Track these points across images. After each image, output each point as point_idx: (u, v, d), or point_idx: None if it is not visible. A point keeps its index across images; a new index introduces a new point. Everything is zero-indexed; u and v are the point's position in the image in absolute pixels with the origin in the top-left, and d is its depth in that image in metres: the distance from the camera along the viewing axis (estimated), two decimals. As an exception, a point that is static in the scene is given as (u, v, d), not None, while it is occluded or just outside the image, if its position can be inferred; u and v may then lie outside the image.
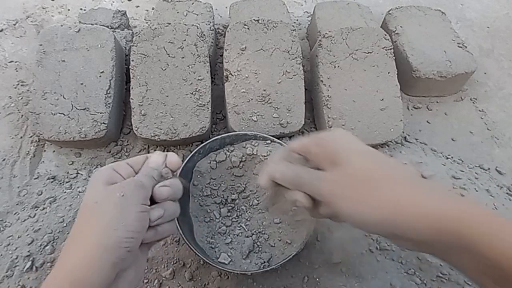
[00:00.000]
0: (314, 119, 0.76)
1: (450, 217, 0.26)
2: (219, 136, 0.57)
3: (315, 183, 0.33)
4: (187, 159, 0.54)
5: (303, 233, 0.52)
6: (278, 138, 0.66)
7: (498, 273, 0.25)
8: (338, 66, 0.69)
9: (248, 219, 0.56)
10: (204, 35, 0.70)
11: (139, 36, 0.67)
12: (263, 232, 0.55)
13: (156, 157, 0.39)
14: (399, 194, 0.28)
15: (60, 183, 0.64)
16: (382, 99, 0.68)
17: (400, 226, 0.27)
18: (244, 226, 0.55)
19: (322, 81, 0.69)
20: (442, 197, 0.28)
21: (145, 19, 0.94)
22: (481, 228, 0.26)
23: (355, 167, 0.31)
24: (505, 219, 0.26)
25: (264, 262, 0.51)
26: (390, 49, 0.71)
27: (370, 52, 0.70)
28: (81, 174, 0.65)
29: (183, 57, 0.67)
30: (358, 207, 0.29)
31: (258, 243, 0.54)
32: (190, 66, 0.66)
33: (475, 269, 0.26)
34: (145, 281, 0.52)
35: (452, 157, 0.72)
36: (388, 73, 0.69)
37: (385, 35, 0.71)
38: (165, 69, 0.66)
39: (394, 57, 0.71)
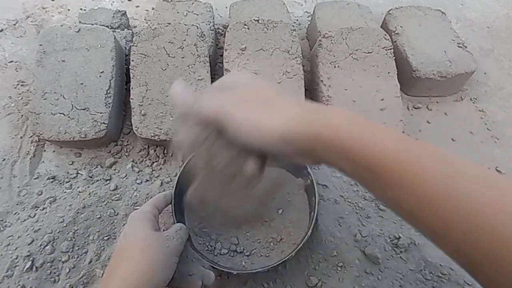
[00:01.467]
0: (314, 119, 0.76)
1: (323, 126, 0.27)
2: None
3: (213, 109, 0.30)
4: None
5: (295, 241, 0.52)
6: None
7: (370, 177, 0.26)
8: (338, 66, 0.69)
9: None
10: (204, 35, 0.70)
11: (139, 36, 0.67)
12: (254, 234, 0.55)
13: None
14: (278, 119, 0.28)
15: (60, 183, 0.64)
16: (382, 99, 0.68)
17: (287, 137, 0.28)
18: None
19: (322, 81, 0.69)
20: (317, 110, 0.29)
21: (145, 19, 0.94)
22: (351, 134, 0.26)
23: (239, 118, 0.29)
24: (378, 125, 0.27)
25: (252, 263, 0.52)
26: (390, 49, 0.71)
27: (370, 52, 0.70)
28: (81, 174, 0.65)
29: (183, 57, 0.67)
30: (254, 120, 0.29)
31: (246, 243, 0.54)
32: (190, 66, 0.66)
33: (354, 174, 0.28)
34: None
35: (452, 157, 0.72)
36: (388, 73, 0.69)
37: (385, 35, 0.71)
38: (165, 69, 0.66)
39: (394, 57, 0.71)
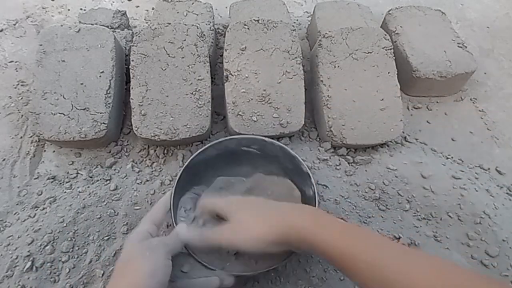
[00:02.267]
0: (314, 119, 0.76)
1: (291, 229, 0.41)
2: (237, 136, 0.58)
3: (217, 236, 0.45)
4: (200, 150, 0.55)
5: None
6: (278, 139, 0.67)
7: (330, 261, 0.39)
8: (338, 66, 0.69)
9: None
10: (204, 35, 0.70)
11: (139, 36, 0.67)
12: None
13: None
14: (259, 226, 0.43)
15: (60, 183, 0.64)
16: (382, 99, 0.68)
17: (268, 239, 0.42)
18: None
19: (322, 81, 0.69)
20: (287, 215, 0.43)
21: (145, 19, 0.94)
22: (312, 233, 0.39)
23: (236, 220, 0.45)
24: (332, 221, 0.41)
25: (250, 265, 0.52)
26: (390, 49, 0.71)
27: (370, 52, 0.70)
28: (81, 174, 0.65)
29: (183, 57, 0.67)
30: (246, 238, 0.43)
31: None
32: (190, 66, 0.66)
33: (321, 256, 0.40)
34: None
35: (452, 157, 0.72)
36: (388, 73, 0.69)
37: (385, 35, 0.71)
38: (165, 69, 0.66)
39: (394, 57, 0.71)
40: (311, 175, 0.54)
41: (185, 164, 0.53)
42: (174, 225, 0.49)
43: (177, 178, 0.52)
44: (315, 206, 0.52)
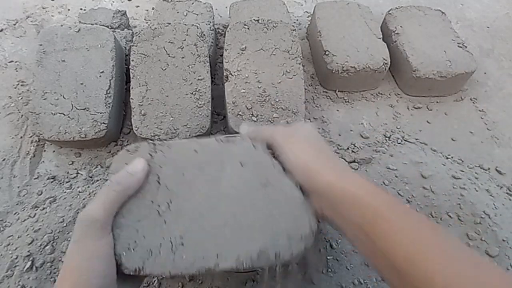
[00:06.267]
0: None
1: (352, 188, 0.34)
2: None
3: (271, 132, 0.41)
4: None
5: None
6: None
7: (386, 262, 0.30)
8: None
9: None
10: (204, 35, 0.70)
11: (139, 36, 0.67)
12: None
13: None
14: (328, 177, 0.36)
15: (60, 183, 0.64)
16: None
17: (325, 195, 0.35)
18: None
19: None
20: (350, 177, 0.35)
21: (145, 19, 0.94)
22: (368, 199, 0.32)
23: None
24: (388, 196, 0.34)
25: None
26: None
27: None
28: (81, 174, 0.65)
29: (183, 57, 0.67)
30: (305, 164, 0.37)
31: None
32: (190, 66, 0.67)
33: (372, 257, 0.32)
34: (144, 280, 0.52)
35: (452, 157, 0.72)
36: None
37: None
38: (165, 69, 0.66)
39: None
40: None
41: None
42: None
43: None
44: None
